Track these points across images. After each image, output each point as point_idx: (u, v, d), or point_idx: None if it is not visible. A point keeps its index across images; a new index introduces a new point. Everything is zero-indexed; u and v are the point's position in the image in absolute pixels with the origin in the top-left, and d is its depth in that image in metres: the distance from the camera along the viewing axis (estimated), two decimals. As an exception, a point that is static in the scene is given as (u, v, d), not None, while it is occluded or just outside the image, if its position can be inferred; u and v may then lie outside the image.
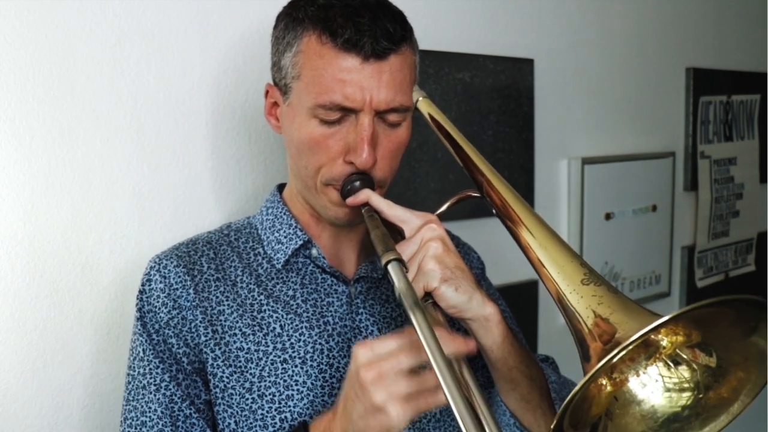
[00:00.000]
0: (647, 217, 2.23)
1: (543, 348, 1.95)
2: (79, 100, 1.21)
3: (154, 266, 1.06)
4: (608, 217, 2.10)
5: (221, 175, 1.38)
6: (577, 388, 0.74)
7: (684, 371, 0.85)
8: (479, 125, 1.78)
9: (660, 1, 2.25)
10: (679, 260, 2.41)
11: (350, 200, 1.00)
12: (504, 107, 1.82)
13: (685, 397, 0.85)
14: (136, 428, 1.02)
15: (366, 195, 1.00)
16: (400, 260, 0.89)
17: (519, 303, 1.88)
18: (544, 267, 0.92)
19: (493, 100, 1.80)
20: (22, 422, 1.19)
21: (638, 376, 0.86)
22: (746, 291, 2.62)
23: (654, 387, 0.86)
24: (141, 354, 1.03)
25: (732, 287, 2.60)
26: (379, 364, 0.80)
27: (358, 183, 1.00)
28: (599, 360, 0.74)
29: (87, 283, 1.24)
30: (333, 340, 1.06)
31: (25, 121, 1.17)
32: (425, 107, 1.17)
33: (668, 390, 0.85)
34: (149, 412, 1.01)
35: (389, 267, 0.88)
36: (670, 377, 0.85)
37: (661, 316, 0.72)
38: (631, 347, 0.73)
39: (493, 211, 1.04)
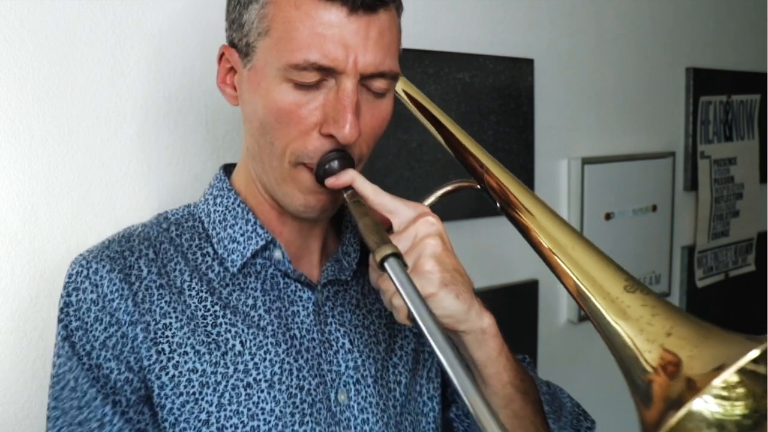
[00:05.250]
0: (647, 217, 2.22)
1: (543, 349, 1.95)
2: (79, 100, 1.21)
3: (82, 271, 0.87)
4: (608, 217, 2.09)
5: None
6: None
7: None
8: (479, 125, 1.78)
9: (660, 2, 2.24)
10: (679, 260, 2.39)
11: (330, 181, 0.83)
12: (504, 107, 1.82)
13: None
14: None
15: (350, 176, 0.83)
16: (398, 255, 0.74)
17: (519, 303, 1.87)
18: (573, 274, 0.74)
19: (493, 100, 1.79)
20: (22, 422, 1.19)
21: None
22: (746, 290, 2.61)
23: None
24: (72, 383, 0.84)
25: (732, 287, 2.58)
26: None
27: (336, 162, 0.83)
28: (667, 401, 0.55)
29: (87, 283, 1.23)
30: (302, 357, 0.90)
31: (25, 121, 1.17)
32: (401, 85, 1.01)
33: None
34: None
35: (386, 264, 0.73)
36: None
37: (747, 340, 0.54)
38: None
39: (497, 204, 0.90)
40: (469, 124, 1.75)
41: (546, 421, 0.90)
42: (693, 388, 0.54)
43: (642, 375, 0.59)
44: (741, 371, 0.57)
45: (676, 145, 2.35)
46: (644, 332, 0.61)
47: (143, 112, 1.28)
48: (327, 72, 0.80)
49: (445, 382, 1.05)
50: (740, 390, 0.61)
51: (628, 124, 2.19)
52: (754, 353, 0.52)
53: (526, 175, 1.89)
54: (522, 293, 1.88)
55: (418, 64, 1.64)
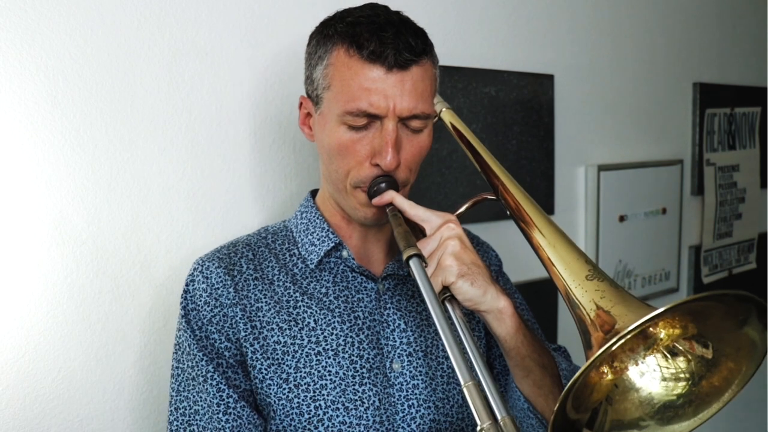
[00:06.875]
0: (658, 219, 2.11)
1: (562, 339, 1.85)
2: (138, 113, 1.14)
3: (198, 268, 1.00)
4: (622, 219, 1.98)
5: (267, 181, 1.30)
6: (578, 373, 0.70)
7: (680, 362, 0.79)
8: (504, 135, 1.69)
9: (669, 22, 2.13)
10: (686, 258, 2.28)
11: (376, 200, 0.95)
12: (527, 119, 1.72)
13: (681, 386, 0.79)
14: (189, 416, 0.96)
15: (390, 195, 0.94)
16: (420, 256, 0.85)
17: (540, 298, 1.78)
18: (552, 264, 0.86)
19: (516, 112, 1.70)
20: (86, 406, 1.13)
21: (637, 365, 0.80)
22: (748, 286, 2.49)
23: (651, 376, 0.80)
24: (187, 349, 0.97)
25: (735, 283, 2.46)
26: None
27: (383, 185, 0.94)
28: (600, 348, 0.70)
29: (145, 280, 1.17)
30: (363, 333, 1.00)
31: (89, 132, 1.10)
32: (448, 117, 1.10)
33: (665, 379, 0.80)
34: (201, 401, 0.95)
35: (410, 262, 0.84)
36: (667, 367, 0.80)
37: (657, 309, 0.67)
38: (629, 336, 0.70)
39: (508, 212, 0.97)
40: (494, 134, 1.66)
41: None
42: (615, 335, 0.69)
43: (589, 331, 0.76)
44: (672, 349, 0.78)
45: (684, 153, 2.24)
46: (594, 310, 0.77)
47: (197, 122, 1.20)
48: (373, 117, 0.92)
49: (491, 358, 1.12)
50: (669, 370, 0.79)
51: (641, 134, 2.08)
52: (653, 314, 0.67)
53: (546, 181, 1.79)
54: (543, 289, 1.78)
55: (449, 79, 1.55)
